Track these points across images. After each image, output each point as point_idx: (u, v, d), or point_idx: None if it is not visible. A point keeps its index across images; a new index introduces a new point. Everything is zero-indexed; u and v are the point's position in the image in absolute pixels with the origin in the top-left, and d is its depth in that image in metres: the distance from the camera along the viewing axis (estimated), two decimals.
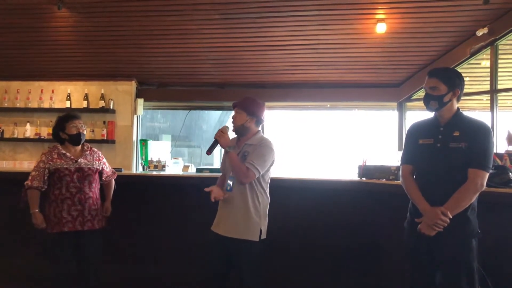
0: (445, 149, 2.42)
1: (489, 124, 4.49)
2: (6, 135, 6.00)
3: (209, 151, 2.84)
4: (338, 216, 3.77)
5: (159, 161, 5.44)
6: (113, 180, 3.48)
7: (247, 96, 2.96)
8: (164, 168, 5.39)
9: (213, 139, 2.84)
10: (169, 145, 6.78)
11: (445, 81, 2.46)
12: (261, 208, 2.83)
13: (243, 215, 2.77)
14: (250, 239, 2.76)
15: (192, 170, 5.37)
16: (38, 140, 5.93)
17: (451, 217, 2.29)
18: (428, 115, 2.64)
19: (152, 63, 5.85)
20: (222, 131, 2.83)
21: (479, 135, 2.38)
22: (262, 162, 2.76)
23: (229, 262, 2.82)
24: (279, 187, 3.03)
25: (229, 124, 2.94)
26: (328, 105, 6.32)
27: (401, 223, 2.70)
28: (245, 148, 2.85)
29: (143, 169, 5.56)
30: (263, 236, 2.81)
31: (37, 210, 3.11)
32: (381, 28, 4.90)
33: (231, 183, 2.82)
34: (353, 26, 5.02)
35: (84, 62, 5.90)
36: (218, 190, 2.81)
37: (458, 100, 2.52)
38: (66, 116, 3.26)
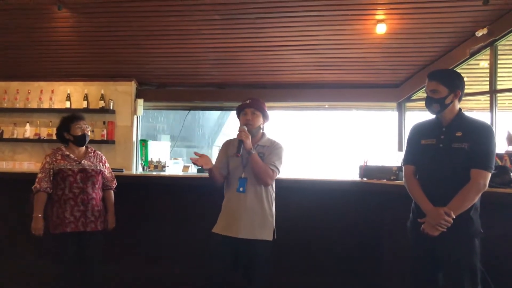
0: (448, 149, 2.43)
1: None
2: (6, 136, 5.98)
3: (238, 152, 2.77)
4: (339, 216, 3.78)
5: (159, 162, 5.44)
6: (112, 192, 3.40)
7: (256, 98, 2.98)
8: (164, 169, 5.39)
9: (238, 140, 2.79)
10: (168, 145, 6.77)
11: (445, 83, 2.47)
12: (273, 207, 2.89)
13: (259, 216, 2.80)
14: (266, 239, 2.80)
15: (192, 171, 5.37)
16: (37, 140, 5.91)
17: (454, 217, 2.30)
18: (429, 115, 2.65)
19: (152, 64, 5.85)
20: (246, 132, 2.80)
21: (482, 135, 2.39)
22: (280, 163, 2.86)
23: (237, 264, 2.82)
24: (280, 187, 3.03)
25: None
26: (327, 105, 6.33)
27: (402, 223, 2.71)
28: (259, 150, 2.87)
29: (143, 170, 5.55)
30: (275, 236, 2.86)
31: (40, 215, 3.09)
32: (381, 29, 4.91)
33: (244, 184, 2.81)
34: (353, 26, 5.03)
35: (83, 62, 5.89)
36: (207, 159, 2.84)
37: (460, 100, 2.53)
38: (71, 117, 3.25)
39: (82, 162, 3.19)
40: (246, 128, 2.83)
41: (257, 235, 2.78)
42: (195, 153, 2.81)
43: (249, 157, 2.79)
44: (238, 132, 2.81)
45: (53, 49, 5.68)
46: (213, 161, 2.98)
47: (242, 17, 5.00)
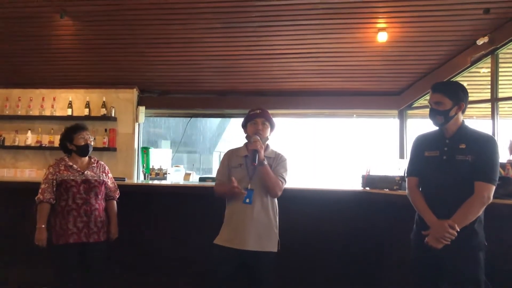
0: (451, 161, 2.43)
1: (490, 133, 4.49)
2: (7, 143, 5.97)
3: (254, 161, 2.73)
4: (341, 226, 3.77)
5: (160, 169, 5.45)
6: (115, 202, 3.39)
7: (264, 108, 2.97)
8: (165, 176, 5.40)
9: (252, 150, 2.75)
10: (170, 152, 6.78)
11: (449, 95, 2.47)
12: (277, 218, 2.90)
13: (266, 227, 2.80)
14: (272, 251, 2.80)
15: (193, 178, 5.37)
16: (39, 148, 5.90)
17: (458, 230, 2.30)
18: (430, 122, 2.63)
19: (154, 71, 5.86)
20: (260, 142, 2.77)
21: (486, 147, 2.39)
22: (287, 175, 2.88)
23: (240, 275, 2.82)
24: (281, 196, 3.03)
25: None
26: (327, 112, 6.33)
27: (405, 233, 2.70)
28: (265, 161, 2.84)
29: (145, 177, 5.56)
30: (279, 247, 2.86)
31: (43, 226, 3.09)
32: (382, 37, 4.92)
33: (251, 195, 2.78)
34: (354, 35, 5.05)
35: (85, 70, 5.89)
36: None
37: (463, 112, 2.53)
38: (74, 127, 3.25)
39: (85, 173, 3.20)
40: (259, 138, 2.81)
41: (264, 246, 2.78)
42: (234, 181, 2.74)
43: (260, 168, 2.76)
44: (253, 142, 2.77)
45: (55, 56, 5.69)
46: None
47: (244, 25, 5.01)
